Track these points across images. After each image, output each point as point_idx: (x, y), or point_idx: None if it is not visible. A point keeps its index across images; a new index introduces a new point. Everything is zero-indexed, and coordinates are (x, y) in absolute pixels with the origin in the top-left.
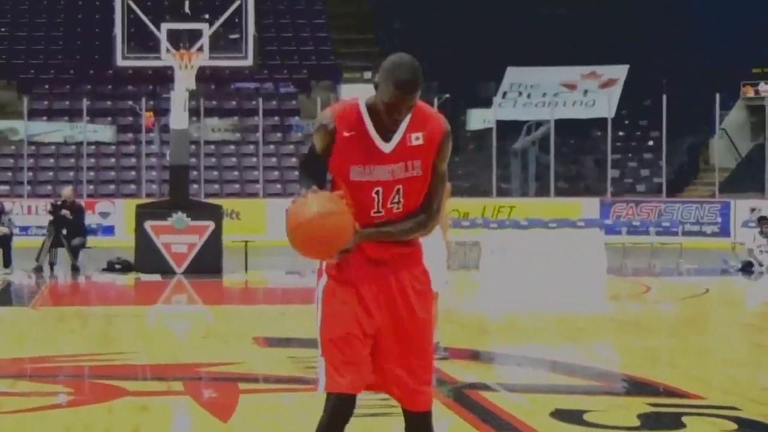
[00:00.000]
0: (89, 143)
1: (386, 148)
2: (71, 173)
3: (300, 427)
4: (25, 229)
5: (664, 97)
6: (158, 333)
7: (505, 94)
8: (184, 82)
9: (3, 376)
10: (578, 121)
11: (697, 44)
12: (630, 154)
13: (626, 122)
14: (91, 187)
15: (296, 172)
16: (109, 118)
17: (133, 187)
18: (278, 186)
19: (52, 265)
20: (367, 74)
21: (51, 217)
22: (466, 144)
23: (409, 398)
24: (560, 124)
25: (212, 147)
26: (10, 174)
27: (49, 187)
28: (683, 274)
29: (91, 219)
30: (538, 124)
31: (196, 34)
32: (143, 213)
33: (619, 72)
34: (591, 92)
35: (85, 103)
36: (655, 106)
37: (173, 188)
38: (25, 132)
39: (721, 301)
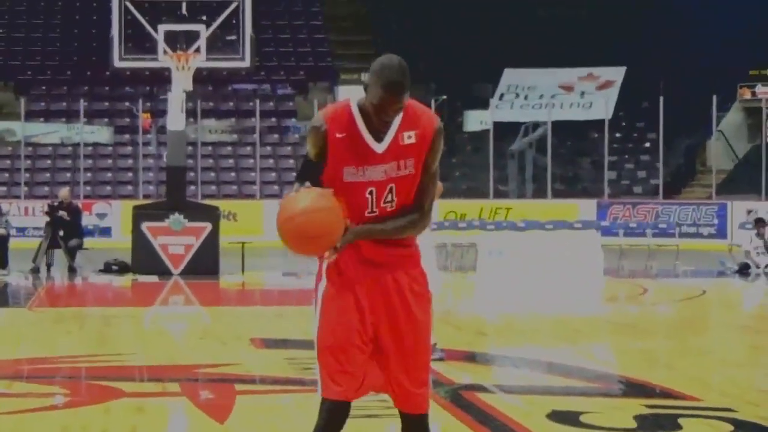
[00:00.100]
0: (86, 144)
1: (379, 148)
2: (68, 174)
3: (297, 428)
4: (22, 231)
5: (661, 98)
6: (155, 334)
7: (502, 95)
8: (181, 84)
9: (0, 377)
10: (575, 123)
11: (695, 46)
12: (627, 156)
13: (623, 124)
14: (88, 188)
15: (293, 174)
16: (106, 120)
17: (130, 188)
18: (275, 187)
19: (49, 266)
20: (365, 76)
21: (48, 219)
22: (464, 145)
23: (406, 400)
24: (557, 125)
25: (209, 148)
26: (7, 175)
27: (46, 189)
28: (680, 276)
29: (88, 220)
30: (536, 125)
31: (193, 36)
32: (140, 214)
33: (617, 74)
34: (588, 94)
35: (82, 104)
36: (652, 108)
37: (170, 189)
38: (22, 133)
39: (717, 303)
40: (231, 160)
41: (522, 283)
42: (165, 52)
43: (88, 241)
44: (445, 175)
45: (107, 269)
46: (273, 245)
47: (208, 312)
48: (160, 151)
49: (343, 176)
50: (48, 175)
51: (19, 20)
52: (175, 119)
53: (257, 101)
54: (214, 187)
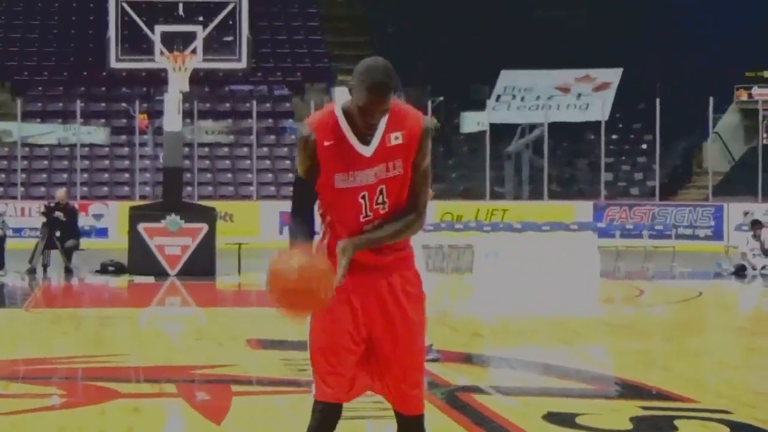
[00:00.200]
0: (83, 145)
1: (366, 151)
2: (65, 175)
3: (293, 429)
4: (18, 231)
5: (658, 100)
6: (151, 335)
7: (498, 97)
8: (177, 85)
9: None
10: (572, 125)
11: (691, 48)
12: (623, 158)
13: (620, 125)
14: (85, 189)
15: (290, 175)
16: (103, 120)
17: (126, 189)
18: (272, 188)
19: (45, 267)
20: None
21: (44, 219)
22: (460, 147)
23: (402, 401)
24: (554, 127)
25: (206, 149)
26: (3, 176)
27: (43, 189)
28: (676, 278)
29: (84, 221)
30: (532, 127)
31: (189, 37)
32: (137, 215)
33: (613, 75)
34: (585, 95)
35: (78, 105)
36: (648, 110)
37: (167, 190)
38: (18, 134)
39: (714, 305)
40: (227, 161)
41: (518, 284)
42: (162, 53)
43: (84, 242)
44: (442, 176)
45: (104, 270)
46: (269, 246)
47: (204, 313)
48: (156, 152)
49: (335, 183)
50: (44, 175)
51: (16, 21)
52: (172, 120)
53: (254, 102)
54: (210, 188)
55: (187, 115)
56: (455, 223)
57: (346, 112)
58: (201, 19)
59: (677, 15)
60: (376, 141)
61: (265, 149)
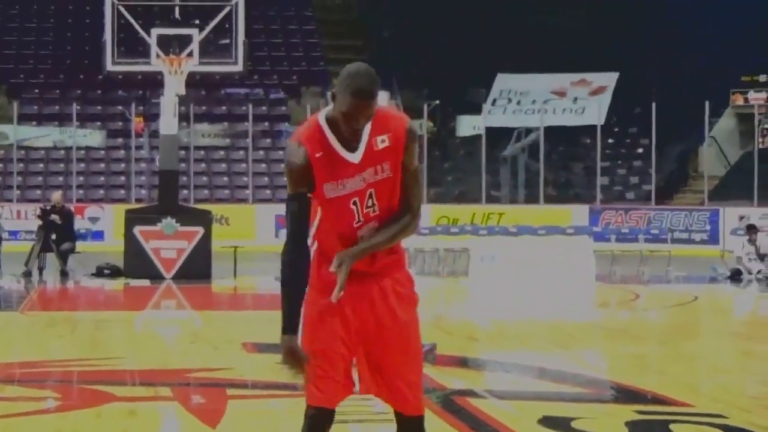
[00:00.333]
0: (79, 148)
1: (354, 158)
2: (61, 178)
3: None
4: (14, 234)
5: (654, 104)
6: (147, 338)
7: (494, 100)
8: (173, 88)
9: None
10: (568, 129)
11: (687, 52)
12: (619, 162)
13: (616, 130)
14: (81, 191)
15: (285, 179)
16: (99, 123)
17: (122, 192)
18: (268, 192)
19: (41, 269)
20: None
21: (40, 222)
22: (456, 150)
23: (401, 402)
24: (550, 131)
25: (202, 152)
26: None
27: (39, 192)
28: (672, 282)
29: (80, 224)
30: (528, 131)
31: (186, 40)
32: (132, 218)
33: (609, 79)
34: (581, 99)
35: (74, 107)
36: (644, 114)
37: (163, 193)
38: (14, 136)
39: (709, 309)
40: (223, 165)
41: (514, 288)
42: (158, 56)
43: (80, 245)
44: (438, 180)
45: (99, 273)
46: (265, 249)
47: (200, 316)
48: (152, 155)
49: (325, 193)
50: (40, 178)
51: (12, 24)
52: (168, 123)
53: (250, 105)
54: (206, 191)
55: (183, 118)
56: (451, 227)
57: (330, 121)
58: (197, 22)
59: (674, 19)
60: (362, 146)
61: (261, 152)
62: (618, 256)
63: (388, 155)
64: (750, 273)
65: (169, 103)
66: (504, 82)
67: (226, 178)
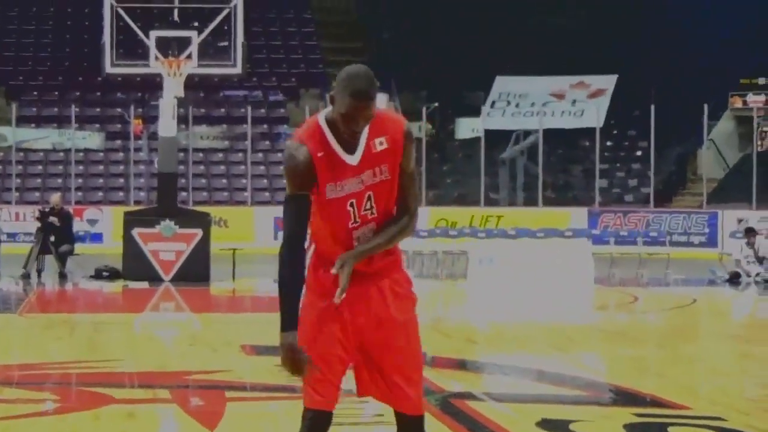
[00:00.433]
0: (77, 150)
1: (352, 160)
2: (59, 180)
3: None
4: (12, 236)
5: (653, 107)
6: (145, 340)
7: (493, 103)
8: (172, 90)
9: None
10: (567, 131)
11: (686, 55)
12: (618, 164)
13: (615, 132)
14: (79, 194)
15: (284, 181)
16: (98, 126)
17: (121, 194)
18: (266, 194)
19: (39, 272)
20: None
21: (39, 224)
22: (455, 153)
23: (401, 402)
24: (549, 133)
25: (200, 155)
26: None
27: (37, 194)
28: (670, 285)
29: (79, 226)
30: (527, 133)
31: (184, 42)
32: (131, 220)
33: (608, 82)
34: (579, 102)
35: (73, 110)
36: (643, 116)
37: (161, 196)
38: (13, 138)
39: (708, 312)
40: (222, 167)
41: (513, 290)
42: (156, 58)
43: (79, 247)
44: (437, 182)
45: (98, 275)
46: (264, 252)
47: (198, 318)
48: (151, 157)
49: (326, 195)
50: (39, 180)
51: (11, 25)
52: (167, 125)
53: (249, 108)
54: (205, 194)
55: (182, 120)
56: (449, 230)
57: (330, 122)
58: (196, 24)
59: (672, 22)
60: (361, 148)
61: (260, 155)
62: (616, 259)
63: (386, 157)
64: (749, 276)
65: (167, 105)
66: (503, 84)
67: (224, 181)
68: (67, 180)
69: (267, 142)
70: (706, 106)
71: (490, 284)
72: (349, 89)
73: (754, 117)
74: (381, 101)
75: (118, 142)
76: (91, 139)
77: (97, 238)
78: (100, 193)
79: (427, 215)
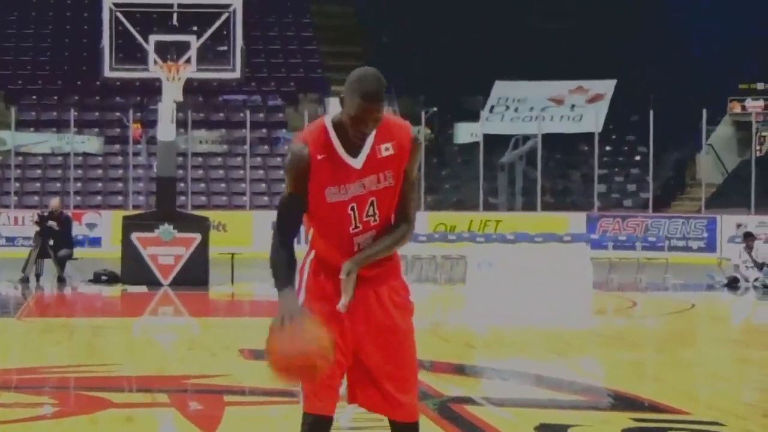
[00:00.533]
0: (76, 154)
1: (356, 163)
2: (58, 184)
3: None
4: (11, 240)
5: (651, 112)
6: (144, 345)
7: (492, 108)
8: (171, 94)
9: None
10: (565, 136)
11: (685, 60)
12: (617, 169)
13: (613, 137)
14: (78, 198)
15: (283, 185)
16: (97, 130)
17: (120, 198)
18: (265, 198)
19: (38, 276)
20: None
21: (38, 228)
22: (454, 158)
23: (395, 409)
24: (547, 138)
25: (199, 159)
26: None
27: (36, 198)
28: (669, 290)
29: (78, 230)
30: (526, 138)
31: (183, 46)
32: (130, 224)
33: (607, 87)
34: (578, 107)
35: (72, 114)
36: (642, 122)
37: (160, 200)
38: (12, 142)
39: (706, 317)
40: (221, 171)
41: (511, 295)
42: (155, 62)
43: (77, 251)
44: (435, 187)
45: (97, 279)
46: (262, 256)
47: (197, 323)
48: (150, 161)
49: (326, 198)
50: (38, 184)
51: (10, 30)
52: (166, 130)
53: (247, 112)
54: (204, 198)
55: (181, 124)
56: (448, 234)
57: (336, 125)
58: (195, 28)
59: (672, 27)
60: (365, 152)
61: (259, 159)
62: (615, 264)
63: (391, 163)
64: (747, 281)
65: (166, 109)
66: (502, 89)
67: (223, 185)
68: (66, 184)
69: (266, 147)
70: (704, 111)
71: (489, 289)
72: (358, 91)
73: (752, 122)
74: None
75: (117, 146)
76: (90, 143)
77: (95, 242)
78: (99, 197)
79: (425, 220)
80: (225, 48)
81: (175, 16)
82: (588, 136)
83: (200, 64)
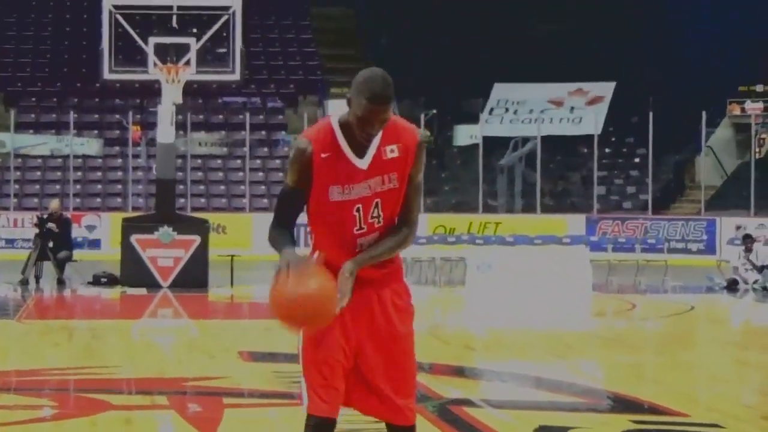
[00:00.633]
0: (76, 156)
1: (362, 164)
2: (58, 186)
3: None
4: (11, 242)
5: (651, 114)
6: (143, 347)
7: (492, 110)
8: (171, 96)
9: None
10: (565, 138)
11: (684, 62)
12: (616, 171)
13: (613, 139)
14: (78, 200)
15: (282, 187)
16: (96, 132)
17: (119, 200)
18: (264, 200)
19: (37, 278)
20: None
21: (37, 230)
22: (453, 160)
23: (393, 412)
24: (547, 140)
25: (199, 161)
26: None
27: (36, 200)
28: (668, 292)
29: (77, 232)
30: (525, 140)
31: (183, 48)
32: (129, 226)
33: (606, 89)
34: (578, 109)
35: (72, 116)
36: (641, 124)
37: (159, 202)
38: (11, 145)
39: (706, 319)
40: (220, 173)
41: (511, 297)
42: (155, 64)
43: (77, 253)
44: (435, 189)
45: (96, 281)
46: (262, 258)
47: (196, 325)
48: (149, 163)
49: (330, 196)
50: (37, 186)
51: (9, 32)
52: (165, 132)
53: (247, 114)
54: (203, 200)
55: (181, 126)
56: (448, 236)
57: (343, 125)
58: (194, 31)
59: (671, 29)
60: (371, 153)
61: (258, 161)
62: (615, 266)
63: (396, 166)
64: (746, 283)
65: (166, 111)
66: (501, 91)
67: (223, 187)
68: (65, 186)
69: (265, 149)
70: (704, 113)
71: (488, 291)
72: (365, 92)
73: (752, 124)
74: None
75: (117, 148)
76: (90, 145)
77: (95, 244)
78: (99, 200)
79: (425, 222)
80: (224, 50)
81: (174, 18)
82: (587, 138)
83: (200, 67)
